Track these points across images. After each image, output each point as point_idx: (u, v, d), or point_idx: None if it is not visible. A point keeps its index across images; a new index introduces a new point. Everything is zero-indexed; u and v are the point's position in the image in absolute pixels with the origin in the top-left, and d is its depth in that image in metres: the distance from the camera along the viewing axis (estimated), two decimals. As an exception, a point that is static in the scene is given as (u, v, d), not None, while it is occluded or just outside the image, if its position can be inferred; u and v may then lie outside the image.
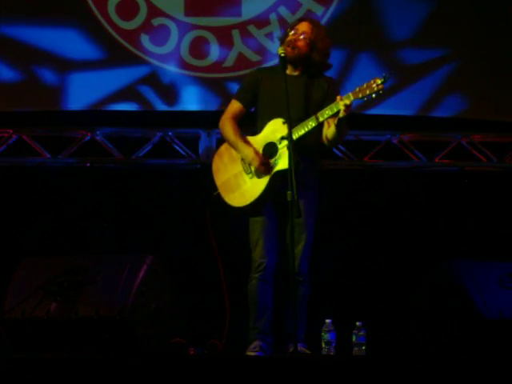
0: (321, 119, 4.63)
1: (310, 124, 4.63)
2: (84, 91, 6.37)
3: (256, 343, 4.64)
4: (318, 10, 6.42)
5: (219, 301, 4.81)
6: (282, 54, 4.69)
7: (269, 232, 4.73)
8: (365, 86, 4.57)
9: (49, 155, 6.57)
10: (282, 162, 4.60)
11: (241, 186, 4.74)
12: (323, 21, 6.38)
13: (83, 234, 6.44)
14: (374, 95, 4.56)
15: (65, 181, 6.56)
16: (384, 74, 4.56)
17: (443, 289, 4.77)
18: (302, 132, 4.63)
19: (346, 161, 6.66)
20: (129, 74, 6.38)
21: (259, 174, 4.70)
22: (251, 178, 4.73)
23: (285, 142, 4.59)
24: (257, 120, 4.85)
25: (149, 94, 6.39)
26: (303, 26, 4.82)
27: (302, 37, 4.78)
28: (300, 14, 6.38)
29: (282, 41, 4.84)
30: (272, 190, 4.66)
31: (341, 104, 4.54)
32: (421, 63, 6.49)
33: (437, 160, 6.70)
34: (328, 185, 6.06)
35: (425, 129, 6.68)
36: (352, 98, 4.55)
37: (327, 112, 4.60)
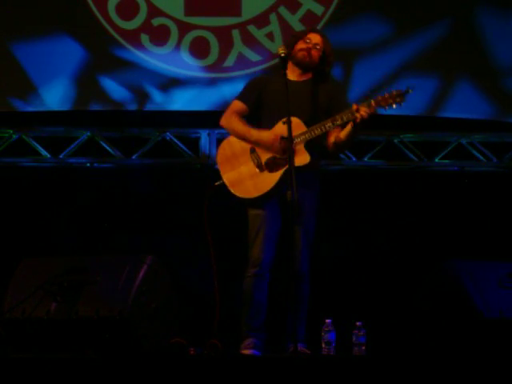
0: (339, 122, 4.66)
1: (328, 126, 4.68)
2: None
3: (250, 340, 4.66)
4: (318, 10, 6.42)
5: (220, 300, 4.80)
6: (283, 54, 4.70)
7: (269, 227, 4.74)
8: (387, 95, 4.64)
9: (49, 155, 6.58)
10: (297, 159, 4.58)
11: (251, 177, 4.71)
12: (323, 21, 6.39)
13: (83, 233, 6.44)
14: (394, 105, 4.65)
15: (65, 181, 6.57)
16: (407, 87, 4.61)
17: (443, 289, 4.77)
18: (317, 132, 4.67)
19: (346, 161, 6.67)
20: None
21: (272, 166, 4.69)
22: (262, 171, 4.72)
23: (300, 138, 4.65)
24: (262, 123, 4.83)
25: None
26: (316, 38, 4.88)
27: (317, 47, 4.84)
28: (300, 14, 6.39)
29: (291, 46, 4.87)
30: (283, 184, 4.64)
31: (362, 110, 4.59)
32: None
33: (437, 160, 6.70)
34: (328, 185, 6.06)
35: (425, 129, 6.68)
36: (374, 105, 4.62)
37: (347, 116, 4.64)
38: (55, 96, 6.35)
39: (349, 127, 4.70)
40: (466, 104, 6.44)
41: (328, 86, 4.91)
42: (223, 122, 4.88)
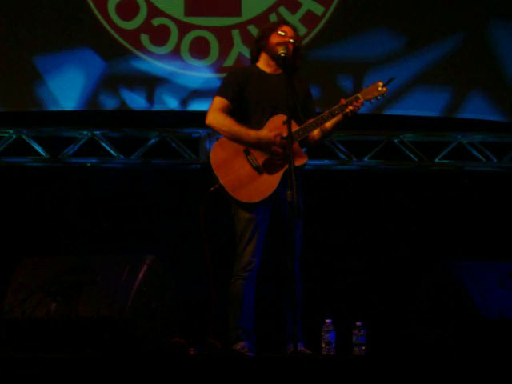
0: (330, 118, 4.67)
1: (321, 122, 4.68)
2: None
3: (242, 344, 4.61)
4: (318, 10, 6.42)
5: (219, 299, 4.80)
6: (283, 54, 4.69)
7: (261, 231, 4.71)
8: (371, 87, 4.68)
9: (49, 155, 6.58)
10: (296, 159, 4.53)
11: (251, 181, 4.66)
12: (323, 21, 6.39)
13: (83, 233, 6.44)
14: (379, 97, 4.70)
15: (65, 181, 6.57)
16: (389, 78, 4.66)
17: (443, 289, 4.77)
18: (311, 129, 4.68)
19: (347, 161, 6.67)
20: None
21: (271, 168, 4.66)
22: (261, 173, 4.68)
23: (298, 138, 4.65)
24: (246, 120, 4.77)
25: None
26: (290, 31, 4.83)
27: (291, 41, 4.79)
28: (300, 14, 6.39)
29: (266, 39, 4.81)
30: (282, 186, 4.62)
31: (353, 104, 4.63)
32: None
33: (437, 160, 6.70)
34: (328, 185, 6.06)
35: (425, 129, 6.68)
36: (362, 99, 4.65)
37: (337, 111, 4.66)
38: (66, 97, 6.37)
39: (338, 118, 4.68)
40: (479, 113, 6.45)
41: (301, 81, 4.88)
42: (212, 121, 4.74)
